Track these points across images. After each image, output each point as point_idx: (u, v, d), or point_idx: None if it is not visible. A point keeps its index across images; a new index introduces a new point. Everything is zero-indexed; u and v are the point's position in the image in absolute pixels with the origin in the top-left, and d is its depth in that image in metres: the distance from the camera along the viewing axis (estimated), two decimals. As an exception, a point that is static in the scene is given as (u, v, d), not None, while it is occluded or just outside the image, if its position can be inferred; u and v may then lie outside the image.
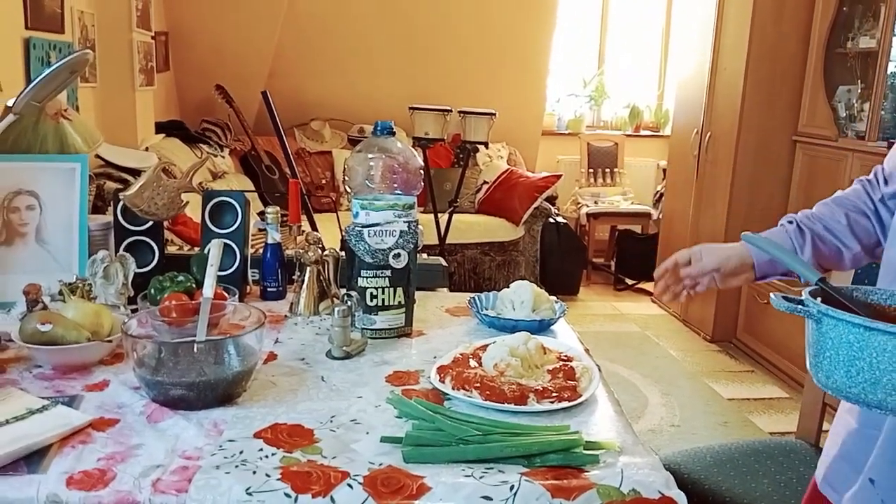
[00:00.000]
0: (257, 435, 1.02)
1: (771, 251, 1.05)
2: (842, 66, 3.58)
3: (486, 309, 1.59)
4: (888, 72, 3.23)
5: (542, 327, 1.52)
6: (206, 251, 1.48)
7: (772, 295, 0.92)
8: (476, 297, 1.63)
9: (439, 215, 3.78)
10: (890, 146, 1.22)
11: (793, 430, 1.86)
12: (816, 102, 3.69)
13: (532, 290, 1.57)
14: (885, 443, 1.00)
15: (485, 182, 4.98)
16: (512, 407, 1.10)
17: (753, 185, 3.89)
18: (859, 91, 3.49)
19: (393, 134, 1.52)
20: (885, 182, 1.20)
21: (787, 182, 3.86)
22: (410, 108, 3.42)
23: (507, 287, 1.61)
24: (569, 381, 1.19)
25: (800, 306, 0.89)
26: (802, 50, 3.73)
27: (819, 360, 0.87)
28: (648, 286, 5.02)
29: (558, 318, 1.57)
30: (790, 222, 1.24)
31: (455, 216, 3.87)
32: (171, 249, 1.89)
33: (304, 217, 2.95)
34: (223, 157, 4.31)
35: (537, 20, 5.14)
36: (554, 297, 1.62)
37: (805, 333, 0.92)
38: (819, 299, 0.90)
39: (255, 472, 0.91)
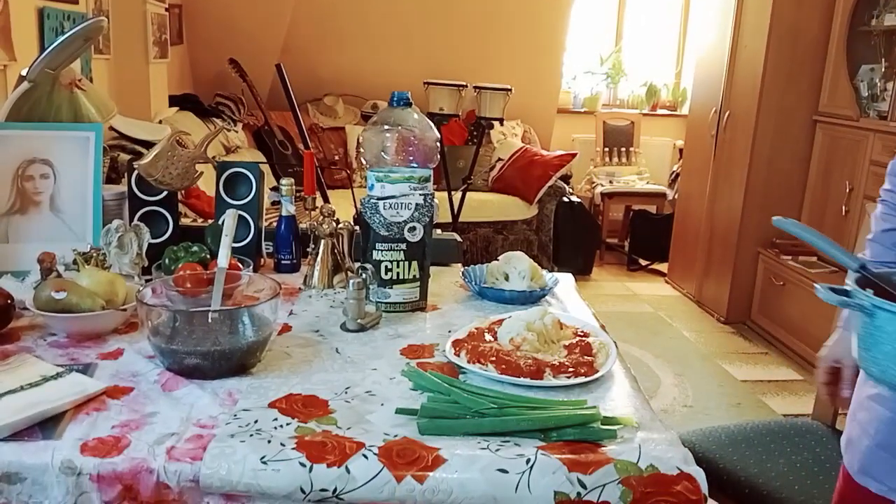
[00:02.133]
0: (272, 405, 1.01)
1: (803, 235, 1.01)
2: (865, 44, 3.51)
3: (483, 283, 1.58)
4: (913, 50, 3.16)
5: (538, 296, 1.54)
6: (220, 222, 1.47)
7: (817, 286, 0.89)
8: (469, 270, 1.62)
9: (453, 193, 3.76)
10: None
11: (807, 412, 1.84)
12: (838, 81, 3.62)
13: (528, 260, 1.57)
14: None
15: (499, 160, 4.94)
16: (528, 381, 1.09)
17: (772, 165, 3.83)
18: (883, 70, 3.42)
19: (410, 105, 1.49)
20: None
21: (807, 162, 3.80)
22: (425, 83, 3.39)
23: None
24: (585, 357, 1.18)
25: (850, 299, 0.86)
26: (825, 28, 3.66)
27: (872, 353, 0.84)
28: (662, 267, 4.99)
29: (553, 287, 1.59)
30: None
31: (468, 194, 3.85)
32: (186, 222, 1.88)
33: (317, 192, 2.94)
34: (236, 131, 4.30)
35: (554, -4, 5.06)
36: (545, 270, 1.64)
37: (852, 324, 0.89)
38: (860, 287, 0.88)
39: (269, 442, 0.90)
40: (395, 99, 1.49)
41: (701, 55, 4.50)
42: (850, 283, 0.89)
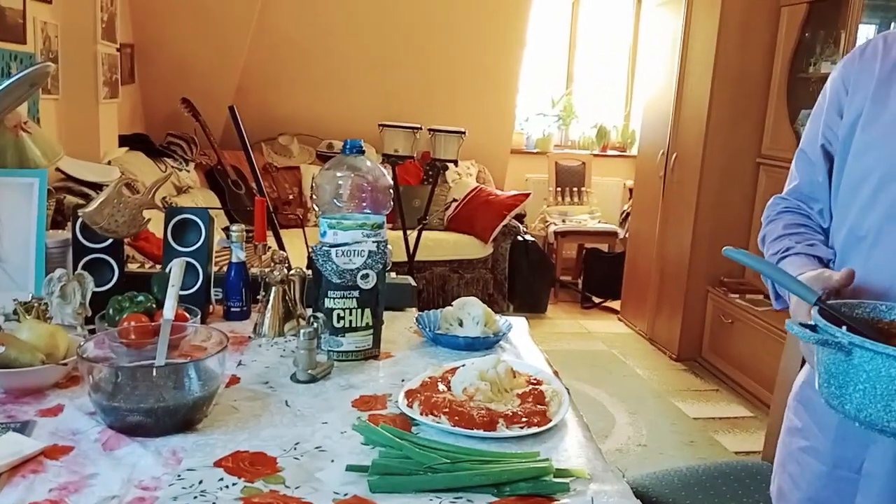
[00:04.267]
0: (217, 463, 0.98)
1: (754, 265, 1.01)
2: (804, 89, 3.66)
3: (436, 329, 1.58)
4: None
5: (492, 342, 1.54)
6: (167, 270, 1.44)
7: (788, 323, 0.88)
8: (423, 316, 1.61)
9: (408, 232, 3.76)
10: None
11: (757, 449, 1.87)
12: (779, 125, 3.75)
13: (482, 306, 1.57)
14: (889, 490, 0.98)
15: (454, 199, 4.97)
16: (481, 433, 1.08)
17: (719, 205, 3.94)
18: (820, 115, 3.56)
19: (362, 152, 1.50)
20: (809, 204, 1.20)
21: (752, 203, 3.91)
22: (380, 126, 3.40)
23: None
24: (538, 406, 1.18)
25: (827, 336, 0.85)
26: (766, 74, 3.81)
27: (847, 391, 0.83)
28: (615, 304, 5.05)
29: (507, 332, 1.59)
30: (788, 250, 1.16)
31: (424, 233, 3.86)
32: (132, 267, 1.84)
33: (270, 234, 2.91)
34: (188, 171, 4.25)
35: (507, 40, 5.17)
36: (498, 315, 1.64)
37: (817, 360, 0.88)
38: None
39: (214, 504, 0.88)
40: (349, 147, 1.49)
41: (648, 98, 4.63)
42: (816, 318, 0.88)
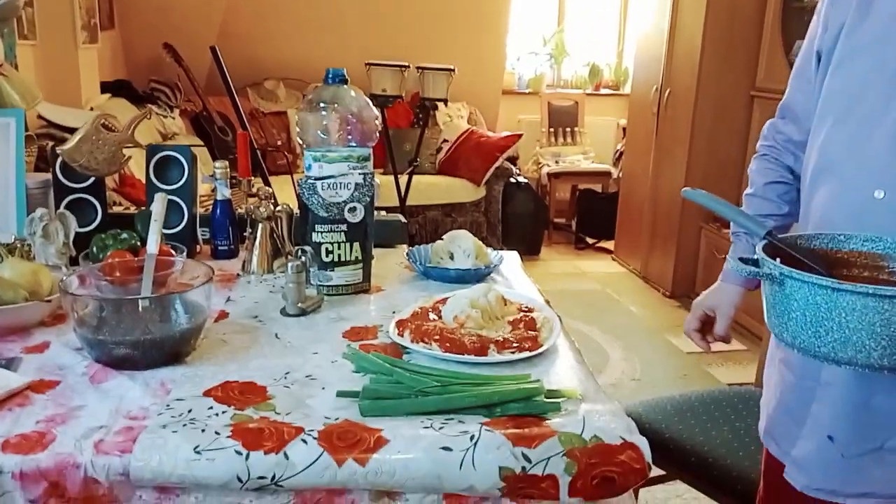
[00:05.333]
0: (207, 393, 0.97)
1: (712, 206, 1.01)
2: (799, 20, 3.58)
3: (427, 263, 1.56)
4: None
5: (484, 274, 1.52)
6: (150, 207, 1.41)
7: (728, 258, 0.92)
8: (414, 251, 1.60)
9: (399, 176, 3.72)
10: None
11: (750, 381, 1.88)
12: (774, 57, 3.69)
13: (473, 238, 1.55)
14: (842, 399, 0.99)
15: (445, 141, 4.91)
16: (472, 358, 1.08)
17: (712, 141, 3.90)
18: (816, 45, 3.50)
19: (346, 82, 1.46)
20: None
21: (746, 137, 3.87)
22: (367, 64, 3.33)
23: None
24: (529, 332, 1.17)
25: (760, 269, 0.88)
26: (760, 5, 3.72)
27: (784, 320, 0.86)
28: (609, 244, 5.05)
29: (498, 264, 1.57)
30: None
31: (415, 177, 3.81)
32: (118, 210, 1.81)
33: (258, 177, 2.87)
34: (173, 118, 4.17)
35: (496, -24, 5.04)
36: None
37: (763, 292, 0.91)
38: (767, 254, 0.90)
39: (203, 431, 0.87)
40: (331, 76, 1.45)
41: (641, 35, 4.54)
42: (758, 252, 0.90)
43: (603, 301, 4.08)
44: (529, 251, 4.83)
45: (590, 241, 5.24)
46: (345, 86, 1.46)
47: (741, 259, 0.91)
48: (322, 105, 1.43)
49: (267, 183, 2.35)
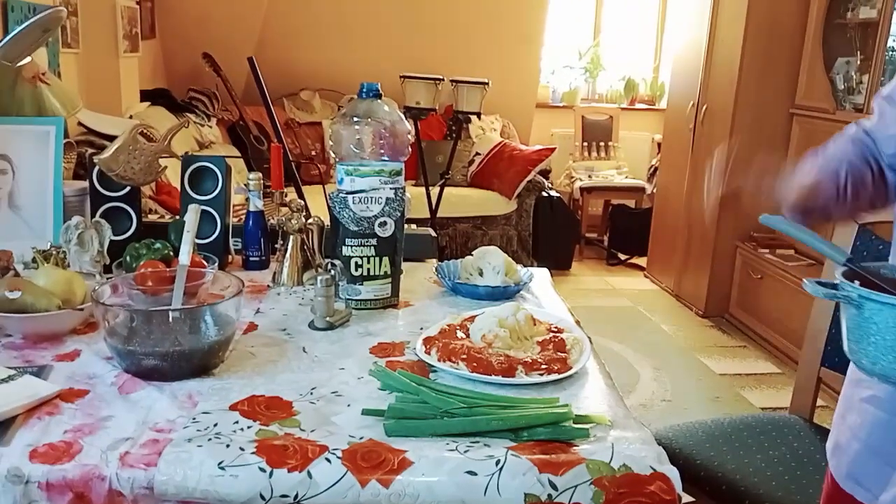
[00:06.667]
0: (233, 407, 0.97)
1: (791, 231, 0.99)
2: (841, 37, 3.51)
3: (456, 279, 1.55)
4: (888, 44, 3.17)
5: (513, 292, 1.51)
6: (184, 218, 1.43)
7: (805, 281, 0.89)
8: (443, 266, 1.59)
9: (431, 188, 3.72)
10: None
11: (784, 405, 1.83)
12: (814, 75, 3.62)
13: (503, 255, 1.54)
14: None
15: (477, 154, 4.91)
16: (500, 379, 1.06)
17: (750, 158, 3.83)
18: (858, 63, 3.43)
19: (380, 96, 1.46)
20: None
21: (785, 156, 3.81)
22: (402, 77, 3.34)
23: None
24: (559, 353, 1.15)
25: (838, 292, 0.87)
26: (801, 21, 3.66)
27: (863, 345, 0.85)
28: (641, 261, 4.99)
29: (528, 282, 1.56)
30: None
31: (447, 189, 3.81)
32: (152, 218, 1.83)
33: (291, 187, 2.89)
34: (210, 126, 4.23)
35: (532, -10, 5.04)
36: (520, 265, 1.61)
37: (841, 317, 0.90)
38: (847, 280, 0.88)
39: (228, 446, 0.87)
40: (365, 90, 1.46)
41: (678, 49, 4.49)
42: (837, 276, 0.89)
43: (635, 319, 4.02)
44: (560, 266, 4.79)
45: (622, 257, 5.18)
46: (378, 100, 1.46)
47: (818, 282, 0.89)
48: (356, 119, 1.44)
49: (300, 194, 2.36)
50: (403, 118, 1.47)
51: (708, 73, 4.06)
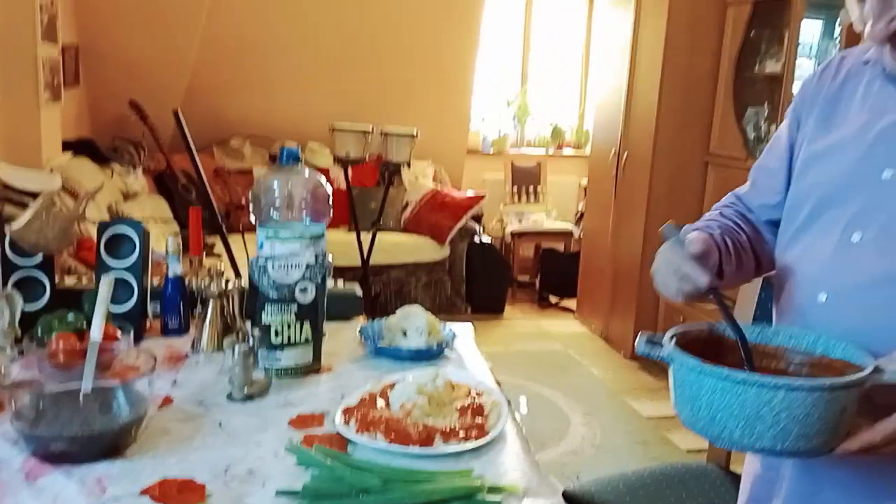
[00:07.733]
0: (144, 492, 0.95)
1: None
2: (750, 88, 3.72)
3: (379, 340, 1.57)
4: (792, 95, 3.37)
5: (436, 353, 1.53)
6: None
7: (638, 340, 0.97)
8: (367, 328, 1.60)
9: (362, 235, 3.73)
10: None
11: (706, 447, 1.89)
12: (727, 124, 3.81)
13: (426, 315, 1.57)
14: (791, 492, 1.01)
15: (410, 200, 4.95)
16: (418, 450, 1.08)
17: (669, 204, 3.98)
18: (766, 113, 3.63)
19: (299, 161, 1.47)
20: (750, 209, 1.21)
21: (701, 201, 3.97)
22: (331, 129, 3.36)
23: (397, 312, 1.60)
24: (477, 419, 1.17)
25: (654, 348, 0.95)
26: (713, 73, 3.86)
27: (675, 395, 0.95)
28: (571, 303, 5.09)
29: (451, 340, 1.58)
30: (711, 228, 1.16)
31: (380, 235, 3.82)
32: (69, 281, 1.78)
33: (217, 239, 2.85)
34: (136, 177, 4.15)
35: (461, 40, 5.16)
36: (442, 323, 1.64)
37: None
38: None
39: (136, 536, 0.85)
40: (285, 156, 1.47)
41: (600, 98, 4.66)
42: (667, 335, 0.96)
43: (565, 363, 4.09)
44: (494, 310, 4.84)
45: (553, 299, 5.27)
46: (298, 165, 1.48)
47: (648, 340, 0.96)
48: (276, 185, 1.45)
49: (229, 251, 2.34)
50: (323, 183, 1.49)
51: (628, 122, 4.22)
